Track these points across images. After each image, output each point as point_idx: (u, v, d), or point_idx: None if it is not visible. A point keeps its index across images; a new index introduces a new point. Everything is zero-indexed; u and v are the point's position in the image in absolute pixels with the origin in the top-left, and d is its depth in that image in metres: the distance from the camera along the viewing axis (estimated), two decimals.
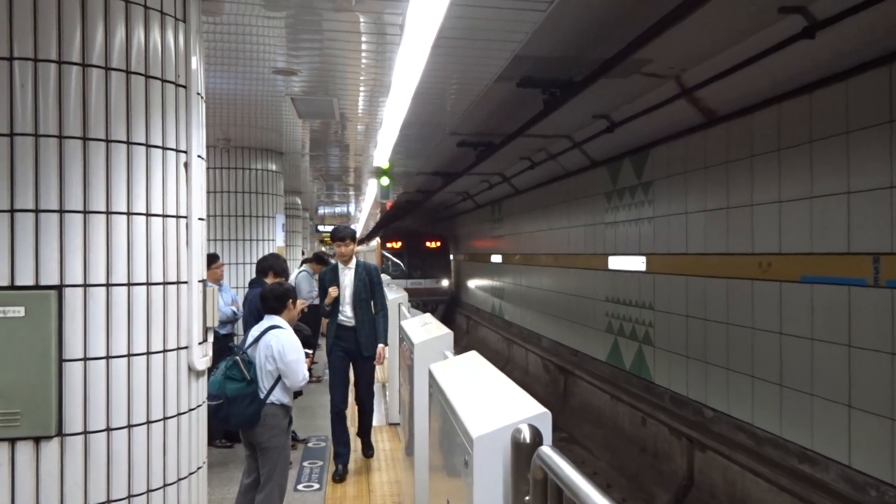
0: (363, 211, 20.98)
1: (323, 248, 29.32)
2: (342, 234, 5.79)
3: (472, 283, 22.53)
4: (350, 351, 5.78)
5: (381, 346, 5.77)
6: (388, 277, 11.49)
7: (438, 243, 24.28)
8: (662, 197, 8.90)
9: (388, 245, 24.03)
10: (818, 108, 6.04)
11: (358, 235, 41.64)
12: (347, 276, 5.80)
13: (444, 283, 23.79)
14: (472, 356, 3.22)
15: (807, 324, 6.18)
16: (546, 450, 1.77)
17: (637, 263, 9.61)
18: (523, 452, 1.91)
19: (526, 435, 1.92)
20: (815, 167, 6.07)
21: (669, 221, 8.70)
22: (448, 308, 24.28)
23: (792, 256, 6.36)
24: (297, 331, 4.42)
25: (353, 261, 5.87)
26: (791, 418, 6.39)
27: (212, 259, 6.52)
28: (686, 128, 8.00)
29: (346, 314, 5.79)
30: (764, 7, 5.51)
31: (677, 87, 7.51)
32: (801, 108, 6.23)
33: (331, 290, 5.72)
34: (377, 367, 6.03)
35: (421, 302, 21.02)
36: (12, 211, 2.59)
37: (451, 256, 25.29)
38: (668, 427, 8.24)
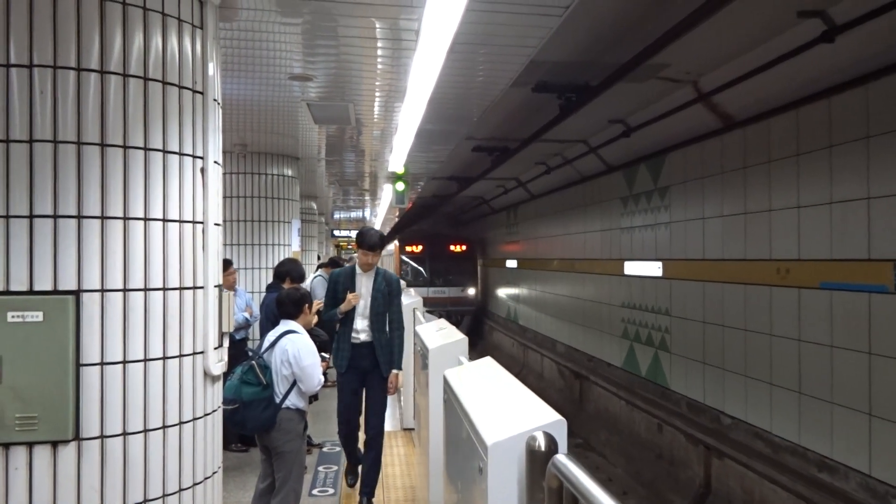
0: (378, 216, 21.01)
1: (342, 254, 29.41)
2: (371, 242, 4.98)
3: (504, 292, 20.01)
4: (364, 369, 5.05)
5: (394, 371, 5.02)
6: (404, 284, 10.49)
7: (464, 247, 21.81)
8: (679, 202, 8.85)
9: (408, 249, 21.70)
10: (837, 112, 5.98)
11: None
12: (365, 284, 5.06)
13: (471, 291, 21.32)
14: (487, 362, 3.21)
15: (826, 331, 6.10)
16: (561, 458, 1.76)
17: (653, 269, 9.55)
18: (538, 460, 1.90)
19: (541, 442, 1.91)
20: (835, 172, 6.01)
21: (686, 227, 8.64)
22: (475, 319, 21.97)
23: (811, 262, 6.29)
24: (313, 335, 4.43)
25: (374, 267, 5.18)
26: (810, 426, 6.31)
27: (225, 265, 6.55)
28: (703, 133, 7.95)
29: (359, 328, 5.03)
30: (782, 11, 5.47)
31: (694, 91, 7.46)
32: (820, 113, 6.17)
33: (350, 296, 4.96)
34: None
35: (444, 313, 18.44)
36: (31, 216, 2.62)
37: (478, 262, 22.77)
38: (685, 434, 8.17)
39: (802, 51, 5.66)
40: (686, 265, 8.65)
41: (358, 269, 5.11)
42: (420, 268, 21.41)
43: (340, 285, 5.10)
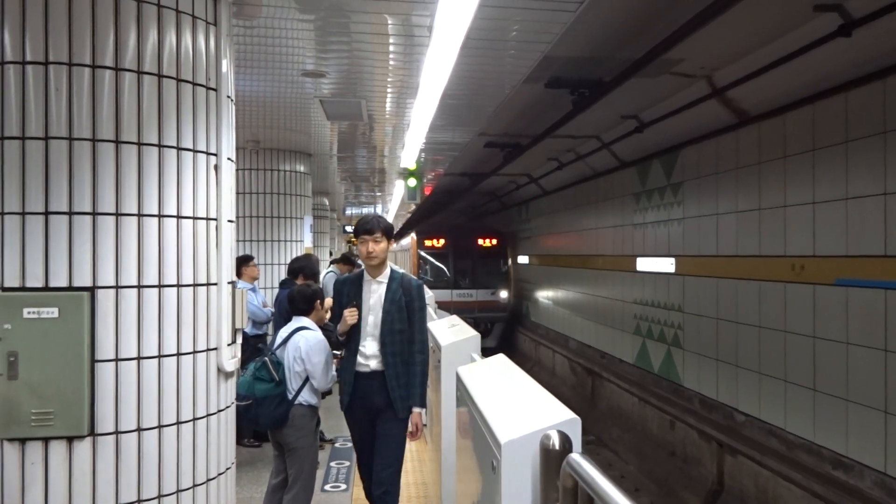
0: (390, 212, 21.01)
1: (352, 248, 29.47)
2: (369, 226, 3.87)
3: (545, 295, 16.20)
4: (375, 407, 3.93)
5: (416, 409, 3.91)
6: (429, 301, 8.50)
7: (494, 241, 18.25)
8: (692, 198, 8.79)
9: (427, 244, 18.21)
10: (854, 107, 5.92)
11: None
12: (375, 294, 3.94)
13: (503, 294, 17.82)
14: (500, 359, 3.20)
15: (842, 327, 6.05)
16: (576, 457, 1.75)
17: (666, 265, 9.50)
18: (552, 459, 1.89)
19: (555, 441, 1.90)
20: (851, 168, 5.95)
21: (700, 223, 8.59)
22: (507, 329, 18.35)
23: (826, 259, 6.23)
24: (326, 331, 4.43)
25: (387, 270, 3.99)
26: (825, 423, 6.26)
27: (248, 259, 6.62)
28: (717, 128, 7.89)
29: (367, 352, 3.90)
30: (798, 5, 5.41)
31: (708, 86, 7.40)
32: (837, 108, 6.10)
33: (347, 312, 3.87)
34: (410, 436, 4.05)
35: (471, 320, 15.96)
36: (47, 213, 2.63)
37: (510, 259, 18.89)
38: (698, 431, 8.14)
39: (818, 45, 5.60)
40: (700, 261, 8.59)
41: (366, 275, 4.00)
42: (442, 266, 18.09)
43: (345, 296, 4.00)
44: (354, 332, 3.93)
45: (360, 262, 14.64)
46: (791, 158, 6.75)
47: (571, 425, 2.00)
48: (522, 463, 2.01)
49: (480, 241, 18.23)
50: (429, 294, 7.65)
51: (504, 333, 18.05)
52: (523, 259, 18.12)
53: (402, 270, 4.25)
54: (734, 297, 7.78)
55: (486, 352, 4.00)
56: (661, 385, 9.67)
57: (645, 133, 9.07)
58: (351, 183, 13.24)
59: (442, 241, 18.25)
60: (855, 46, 5.45)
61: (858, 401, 5.85)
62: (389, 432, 3.91)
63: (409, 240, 19.68)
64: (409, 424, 3.96)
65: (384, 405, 3.89)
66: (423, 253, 18.32)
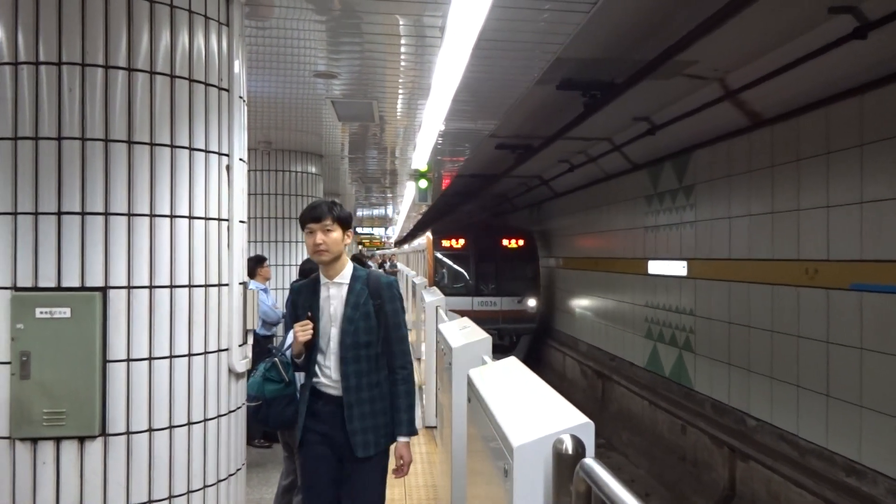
0: (401, 213, 21.02)
1: (362, 250, 29.49)
2: (317, 212, 3.10)
3: (580, 304, 14.33)
4: (335, 443, 3.10)
5: (401, 439, 3.18)
6: (436, 296, 7.70)
7: (521, 242, 15.83)
8: (705, 201, 8.74)
9: (445, 244, 15.84)
10: (869, 110, 5.86)
11: (395, 235, 37.40)
12: (335, 299, 3.14)
13: (531, 303, 15.41)
14: (512, 362, 3.18)
15: (856, 333, 5.99)
16: (590, 462, 1.72)
17: (678, 268, 9.45)
18: (565, 463, 1.87)
19: (568, 446, 1.88)
20: (866, 171, 5.89)
21: (712, 226, 8.54)
22: (536, 341, 16.15)
23: (840, 263, 6.18)
24: None
25: (347, 268, 3.19)
26: (838, 429, 6.20)
27: (261, 260, 6.65)
28: (730, 131, 7.85)
29: (328, 373, 3.11)
30: (813, 7, 5.37)
31: (721, 89, 7.37)
32: (851, 111, 6.05)
33: (297, 327, 3.10)
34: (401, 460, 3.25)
35: (494, 332, 13.33)
36: (59, 213, 2.63)
37: (540, 262, 16.35)
38: (709, 436, 8.08)
39: (833, 47, 5.56)
40: (712, 265, 8.54)
41: (322, 277, 3.19)
42: (461, 270, 15.74)
43: (300, 308, 3.21)
44: (315, 351, 3.13)
45: (370, 263, 14.67)
46: (805, 161, 6.70)
47: (584, 429, 1.98)
48: (535, 467, 1.99)
49: (505, 242, 15.79)
50: (435, 298, 7.57)
51: (532, 346, 15.91)
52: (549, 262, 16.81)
53: (371, 269, 3.54)
54: (746, 301, 7.73)
55: None
56: (671, 389, 9.62)
57: (657, 135, 9.03)
58: (362, 184, 13.25)
59: (461, 242, 15.85)
60: (870, 49, 5.41)
61: (872, 407, 5.79)
62: (363, 477, 3.09)
63: (424, 240, 17.31)
64: (393, 458, 3.19)
65: (344, 440, 3.07)
66: (439, 255, 15.89)
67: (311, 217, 3.13)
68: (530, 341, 15.71)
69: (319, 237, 3.09)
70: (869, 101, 5.86)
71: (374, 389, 3.12)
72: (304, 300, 3.22)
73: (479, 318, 13.07)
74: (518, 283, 15.54)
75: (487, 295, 15.39)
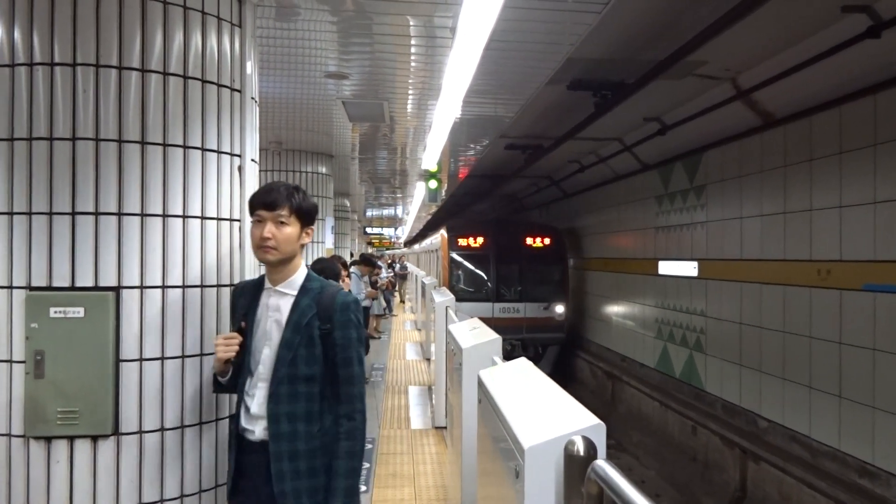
0: (410, 213, 21.04)
1: (370, 250, 29.52)
2: (271, 197, 2.47)
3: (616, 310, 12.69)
4: (263, 499, 2.43)
5: None
6: (446, 296, 7.25)
7: (548, 240, 14.20)
8: (716, 201, 8.70)
9: (461, 243, 14.18)
10: (883, 109, 5.82)
11: (404, 235, 36.97)
12: (275, 313, 2.52)
13: (559, 309, 13.76)
14: (522, 363, 3.18)
15: (869, 333, 5.95)
16: (601, 464, 1.72)
17: (689, 268, 9.41)
18: (577, 465, 1.86)
19: (580, 447, 1.88)
20: (880, 171, 5.85)
21: (723, 226, 8.50)
22: (563, 353, 14.48)
23: (853, 263, 6.14)
24: None
25: (298, 275, 2.57)
26: (850, 431, 6.16)
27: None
28: (741, 130, 7.81)
29: (256, 409, 2.47)
30: (826, 6, 5.34)
31: (733, 88, 7.33)
32: (865, 110, 6.01)
33: (219, 341, 2.50)
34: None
35: (517, 344, 13.07)
36: (73, 213, 2.65)
37: (569, 263, 14.70)
38: (720, 436, 8.05)
39: (846, 46, 5.52)
40: (723, 265, 8.50)
41: (266, 281, 2.56)
42: (480, 272, 14.04)
43: (238, 315, 2.58)
44: (243, 372, 2.50)
45: (379, 263, 14.64)
46: (817, 161, 6.66)
47: (596, 431, 1.97)
48: (546, 468, 1.99)
49: (529, 241, 14.13)
50: (444, 298, 7.55)
51: (560, 358, 14.33)
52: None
53: (327, 281, 2.65)
54: (758, 302, 7.69)
55: None
56: (682, 389, 9.59)
57: (667, 135, 9.00)
58: (372, 184, 13.28)
59: (480, 241, 14.12)
60: (884, 48, 5.37)
61: (885, 408, 5.75)
62: None
63: (438, 238, 15.38)
64: None
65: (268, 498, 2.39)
66: (455, 255, 14.13)
67: (262, 202, 2.46)
68: (558, 353, 14.12)
69: (269, 229, 2.43)
70: (882, 100, 5.82)
71: (314, 440, 2.40)
72: (243, 304, 2.57)
73: (501, 327, 10.55)
74: (544, 287, 13.91)
75: (510, 300, 13.70)
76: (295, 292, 2.51)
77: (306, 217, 2.55)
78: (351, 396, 2.46)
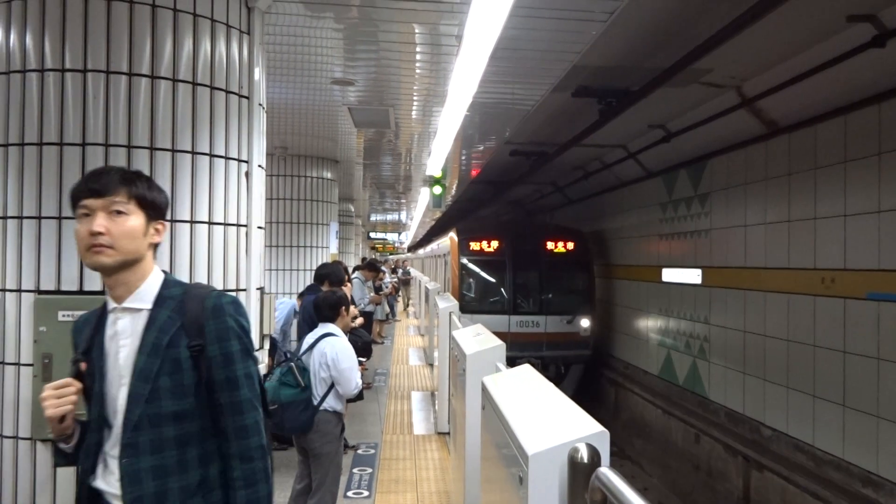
0: (414, 219, 21.07)
1: (375, 255, 29.54)
2: (100, 183, 1.80)
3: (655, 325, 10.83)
4: None
5: None
6: (453, 309, 7.02)
7: (571, 245, 12.55)
8: (720, 209, 8.71)
9: (473, 248, 12.44)
10: (888, 118, 5.83)
11: (408, 240, 36.82)
12: (126, 339, 1.85)
13: (584, 323, 12.06)
14: (526, 369, 3.19)
15: (873, 342, 5.94)
16: (605, 471, 1.73)
17: (692, 276, 9.41)
18: (581, 472, 1.87)
19: (584, 454, 1.88)
20: (884, 180, 5.85)
21: (727, 234, 8.50)
22: (588, 373, 12.62)
23: (857, 272, 6.13)
24: (355, 336, 4.44)
25: (150, 282, 1.89)
26: (855, 440, 6.15)
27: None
28: (746, 138, 7.82)
29: (112, 464, 1.81)
30: (831, 15, 5.35)
31: (738, 96, 7.34)
32: (870, 119, 6.01)
33: (47, 393, 1.77)
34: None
35: (537, 363, 11.06)
36: None
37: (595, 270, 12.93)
38: (724, 445, 8.03)
39: (851, 55, 5.53)
40: (727, 273, 8.50)
41: (108, 300, 1.90)
42: (495, 281, 12.35)
43: (76, 355, 1.93)
44: (91, 431, 1.85)
45: (383, 268, 14.55)
46: (822, 170, 6.67)
47: (600, 438, 1.98)
48: (550, 476, 2.00)
49: (550, 245, 12.47)
50: (448, 304, 7.52)
51: (584, 378, 12.52)
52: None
53: (204, 288, 1.96)
54: (762, 310, 7.68)
55: None
56: (685, 397, 9.57)
57: (672, 143, 9.01)
58: (376, 189, 13.32)
59: (495, 244, 12.44)
60: (889, 57, 5.38)
61: (890, 417, 5.74)
62: None
63: (447, 241, 13.58)
64: None
65: None
66: (467, 261, 12.42)
67: (88, 189, 1.80)
68: (582, 373, 12.33)
69: (99, 223, 1.77)
70: (887, 109, 5.82)
71: (195, 498, 1.82)
72: (82, 340, 1.91)
73: (519, 343, 10.91)
74: (567, 297, 12.37)
75: (528, 313, 12.03)
76: (149, 306, 1.85)
77: (153, 208, 1.87)
78: (243, 430, 1.86)
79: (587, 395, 12.48)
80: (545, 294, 12.19)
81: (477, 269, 12.47)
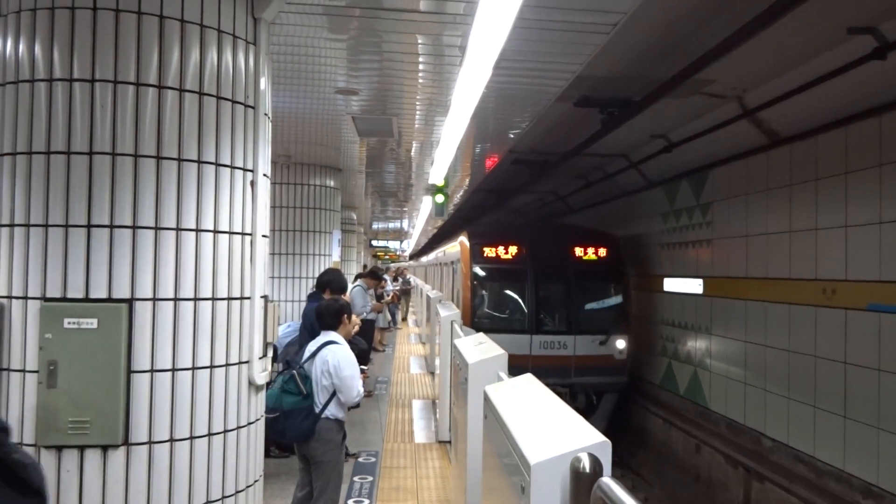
0: (416, 227, 21.08)
1: (377, 263, 29.54)
2: None
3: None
4: None
5: None
6: (455, 318, 6.79)
7: (603, 251, 10.75)
8: (721, 219, 8.72)
9: (487, 253, 10.63)
10: (889, 130, 5.85)
11: (409, 249, 35.96)
12: None
13: (619, 344, 10.25)
14: (528, 379, 3.20)
15: (874, 354, 5.95)
16: (607, 481, 1.74)
17: (694, 286, 9.41)
18: (583, 482, 1.88)
19: (586, 464, 1.90)
20: (885, 192, 5.87)
21: (729, 244, 8.52)
22: (623, 402, 10.91)
23: (858, 283, 6.14)
24: (351, 345, 4.46)
25: None
26: (855, 451, 6.15)
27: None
28: (747, 149, 7.84)
29: None
30: (832, 27, 5.38)
31: (739, 107, 7.37)
32: (871, 131, 6.04)
33: None
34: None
35: (563, 391, 9.52)
36: (89, 226, 2.70)
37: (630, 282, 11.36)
38: (724, 455, 8.02)
39: (852, 67, 5.56)
40: (728, 283, 8.51)
41: None
42: (514, 295, 10.60)
43: None
44: None
45: (385, 276, 14.52)
46: (823, 181, 6.69)
47: (602, 448, 1.99)
48: (552, 485, 2.01)
49: (579, 252, 10.68)
50: (450, 312, 7.51)
51: (618, 409, 10.76)
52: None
53: None
54: (763, 320, 7.69)
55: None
56: (686, 407, 9.56)
57: (673, 153, 9.03)
58: (378, 198, 13.35)
59: (513, 250, 10.63)
60: (890, 69, 5.41)
61: (890, 429, 5.74)
62: None
63: (457, 247, 11.86)
64: None
65: None
66: (479, 270, 10.63)
67: None
68: (616, 402, 10.59)
69: None
70: (888, 121, 5.85)
71: None
72: None
73: (543, 368, 8.81)
74: (600, 313, 10.58)
75: (554, 332, 10.20)
76: None
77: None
78: None
79: (624, 429, 10.94)
80: (574, 309, 10.39)
81: (492, 280, 10.73)
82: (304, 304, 6.86)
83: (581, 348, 10.08)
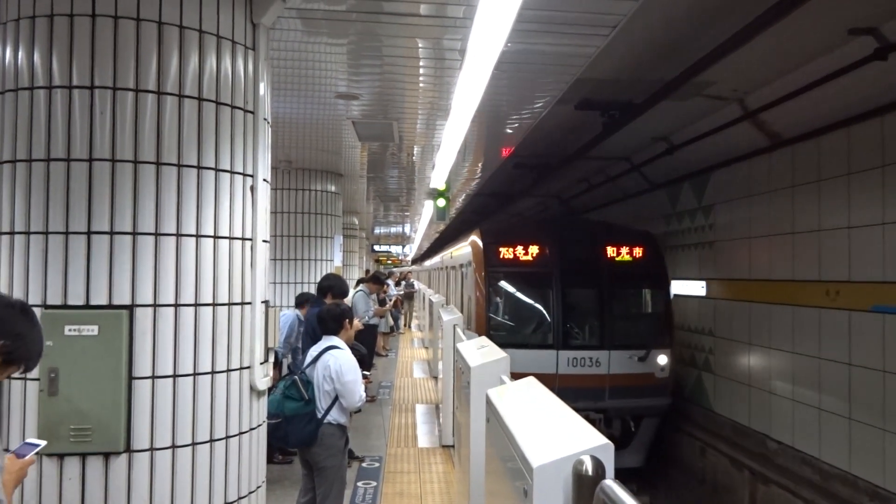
0: (418, 231, 21.08)
1: (380, 268, 29.52)
2: None
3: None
4: None
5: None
6: (457, 321, 6.47)
7: (640, 251, 9.16)
8: (724, 221, 8.71)
9: (505, 255, 9.14)
10: (891, 131, 5.84)
11: (412, 254, 35.69)
12: None
13: (661, 360, 8.75)
14: (530, 382, 3.19)
15: (878, 355, 5.92)
16: (610, 483, 1.73)
17: (697, 288, 9.39)
18: (586, 485, 1.87)
19: (588, 467, 1.89)
20: (888, 192, 5.86)
21: (732, 246, 8.50)
22: (664, 429, 9.33)
23: (862, 284, 6.12)
24: (353, 350, 4.45)
25: None
26: (861, 454, 6.12)
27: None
28: (749, 151, 7.83)
29: None
30: (833, 29, 5.38)
31: (740, 109, 7.36)
32: (873, 132, 6.03)
33: None
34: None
35: (597, 416, 8.44)
36: (89, 233, 2.70)
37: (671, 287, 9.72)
38: (729, 458, 7.99)
39: (854, 68, 5.55)
40: (731, 285, 8.49)
41: None
42: (537, 305, 9.10)
43: None
44: None
45: (389, 281, 14.55)
46: (825, 182, 6.67)
47: (604, 451, 1.98)
48: (554, 488, 2.00)
49: (612, 252, 9.12)
50: (452, 316, 7.46)
51: (657, 440, 9.20)
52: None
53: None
54: (767, 322, 7.66)
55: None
56: (690, 410, 9.53)
57: (675, 155, 9.01)
58: (380, 202, 13.35)
59: (535, 251, 9.13)
60: (891, 70, 5.40)
61: None
62: None
63: (468, 249, 10.37)
64: None
65: None
66: (497, 275, 9.16)
67: None
68: (657, 428, 9.04)
69: None
70: (890, 121, 5.83)
71: None
72: None
73: (572, 390, 7.65)
74: (638, 325, 9.17)
75: (584, 347, 8.71)
76: None
77: None
78: None
79: (666, 460, 9.61)
80: (608, 320, 8.85)
81: (510, 286, 9.19)
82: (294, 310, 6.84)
83: (616, 366, 8.61)
